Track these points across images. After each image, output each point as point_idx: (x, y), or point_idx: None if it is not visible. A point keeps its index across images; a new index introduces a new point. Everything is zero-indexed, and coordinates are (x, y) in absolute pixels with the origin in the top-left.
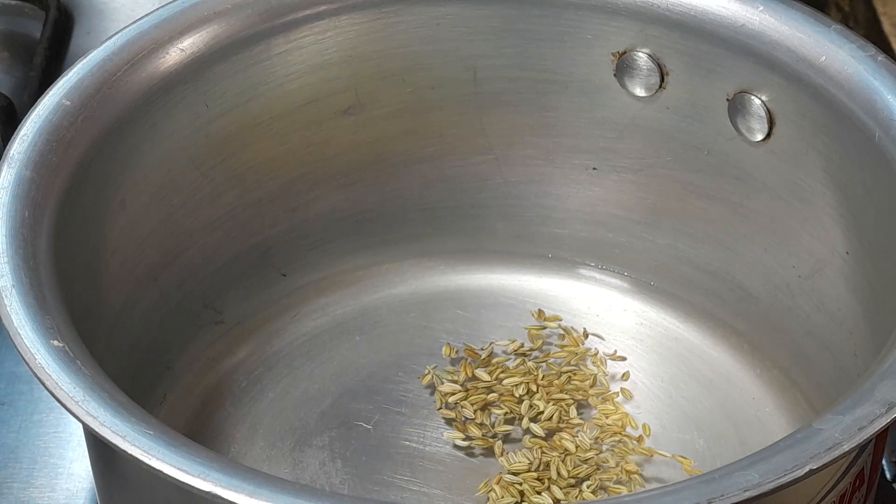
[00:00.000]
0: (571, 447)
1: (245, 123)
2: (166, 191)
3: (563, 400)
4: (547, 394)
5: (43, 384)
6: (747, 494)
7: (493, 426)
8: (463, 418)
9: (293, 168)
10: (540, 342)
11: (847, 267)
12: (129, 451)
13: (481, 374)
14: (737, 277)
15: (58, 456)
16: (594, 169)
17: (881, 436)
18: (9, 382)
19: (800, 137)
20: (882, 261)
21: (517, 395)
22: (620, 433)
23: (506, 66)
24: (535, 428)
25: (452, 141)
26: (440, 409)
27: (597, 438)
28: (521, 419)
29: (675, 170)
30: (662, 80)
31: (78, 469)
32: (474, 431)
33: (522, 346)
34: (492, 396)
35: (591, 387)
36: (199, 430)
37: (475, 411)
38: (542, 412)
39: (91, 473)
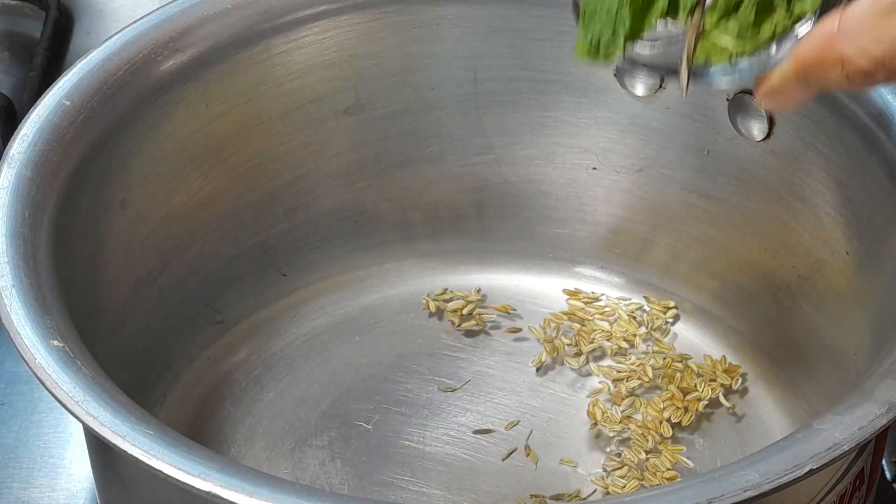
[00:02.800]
0: (599, 415)
1: (245, 123)
2: (166, 191)
3: (638, 374)
4: (627, 356)
5: (43, 384)
6: (747, 494)
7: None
8: (486, 324)
9: (293, 168)
10: (660, 322)
11: (847, 267)
12: (129, 451)
13: (575, 303)
14: (737, 277)
15: (58, 456)
16: (594, 169)
17: (881, 436)
18: (9, 382)
19: (800, 137)
20: (882, 261)
21: (591, 339)
22: (651, 430)
23: (506, 66)
24: (594, 367)
25: (452, 141)
26: (458, 326)
27: (626, 419)
28: (579, 356)
29: (675, 170)
30: (662, 79)
31: (78, 469)
32: (538, 332)
33: (639, 308)
34: (574, 325)
35: (681, 390)
36: (199, 430)
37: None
38: (613, 367)
39: (91, 473)
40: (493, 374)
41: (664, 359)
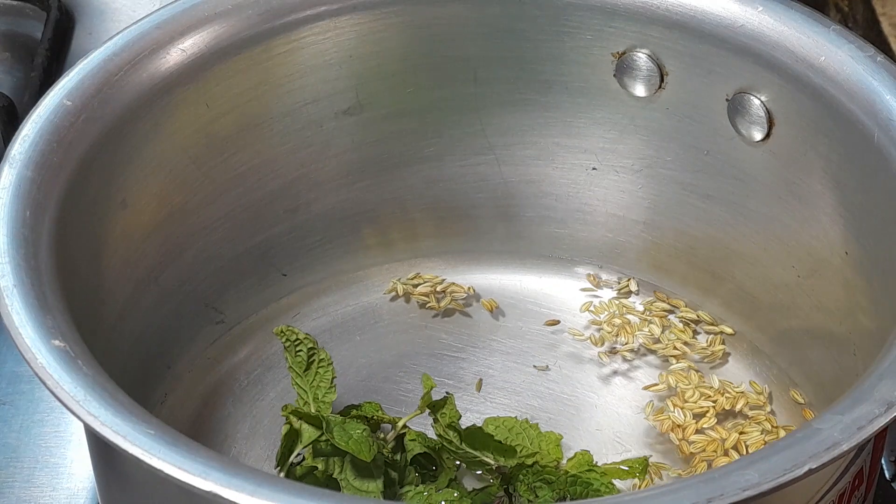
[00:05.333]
0: (667, 423)
1: (245, 124)
2: (167, 191)
3: (707, 398)
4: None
5: (44, 384)
6: (746, 494)
7: None
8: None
9: (293, 168)
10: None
11: (847, 267)
12: (130, 451)
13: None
14: (737, 277)
15: (59, 455)
16: (594, 169)
17: (880, 435)
18: (10, 382)
19: (799, 137)
20: (882, 261)
21: (631, 338)
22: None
23: (506, 67)
24: (670, 376)
25: (452, 141)
26: (428, 306)
27: (677, 428)
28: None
29: (675, 170)
30: (662, 80)
31: (79, 469)
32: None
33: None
34: (615, 321)
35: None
36: (200, 429)
37: None
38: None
39: (92, 473)
40: (494, 373)
41: (763, 422)
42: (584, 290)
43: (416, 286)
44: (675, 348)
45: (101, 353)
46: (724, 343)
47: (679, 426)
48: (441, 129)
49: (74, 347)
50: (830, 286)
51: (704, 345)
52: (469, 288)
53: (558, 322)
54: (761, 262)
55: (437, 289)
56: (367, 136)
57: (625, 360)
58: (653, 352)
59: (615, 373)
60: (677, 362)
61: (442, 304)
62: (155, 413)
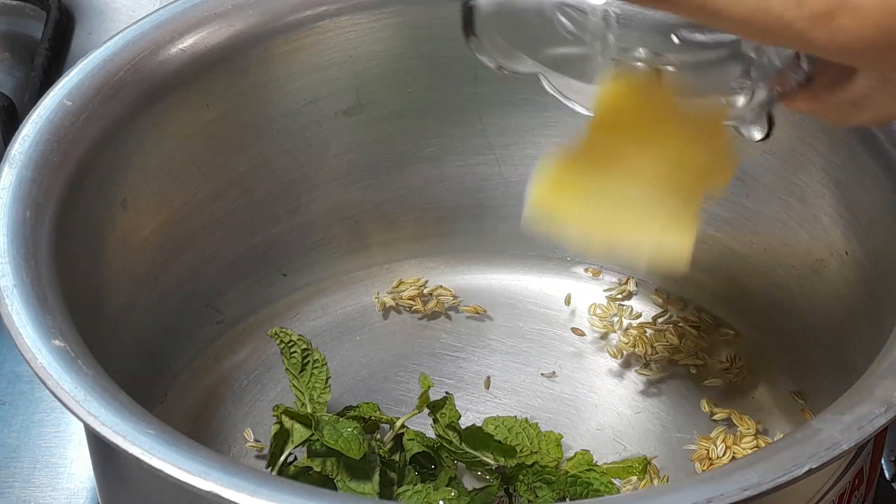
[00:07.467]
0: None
1: (246, 124)
2: (167, 191)
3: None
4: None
5: (44, 384)
6: (746, 494)
7: None
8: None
9: (293, 168)
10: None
11: (847, 267)
12: (130, 451)
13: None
14: (737, 277)
15: (59, 455)
16: None
17: (880, 435)
18: (10, 382)
19: (800, 137)
20: (882, 261)
21: (653, 348)
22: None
23: None
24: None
25: (452, 141)
26: (414, 309)
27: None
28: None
29: None
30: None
31: (79, 468)
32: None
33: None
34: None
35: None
36: (200, 429)
37: None
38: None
39: (92, 473)
40: (494, 373)
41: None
42: (583, 290)
43: (401, 292)
44: (697, 357)
45: (100, 353)
46: (743, 359)
47: (709, 459)
48: (441, 129)
49: (74, 347)
50: (831, 286)
51: (727, 364)
52: (453, 294)
53: (583, 333)
54: (762, 262)
55: (424, 292)
56: (367, 136)
57: (633, 364)
58: (674, 362)
59: (616, 373)
60: (697, 371)
61: (428, 306)
62: (155, 413)
